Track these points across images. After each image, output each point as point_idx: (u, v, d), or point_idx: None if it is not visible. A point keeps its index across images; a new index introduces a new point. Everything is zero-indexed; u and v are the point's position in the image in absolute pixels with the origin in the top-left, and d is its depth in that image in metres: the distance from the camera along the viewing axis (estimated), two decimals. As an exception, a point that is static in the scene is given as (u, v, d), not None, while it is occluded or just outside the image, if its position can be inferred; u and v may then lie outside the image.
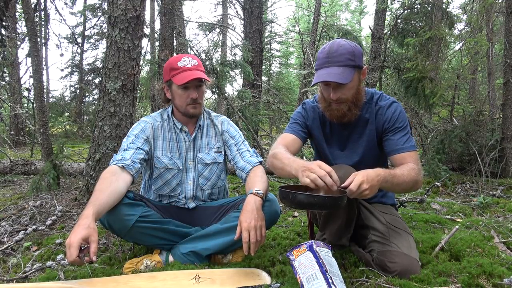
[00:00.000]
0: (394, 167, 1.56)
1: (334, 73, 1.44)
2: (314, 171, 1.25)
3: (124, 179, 1.57)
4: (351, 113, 1.57)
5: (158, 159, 1.79)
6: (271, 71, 15.73)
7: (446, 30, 4.22)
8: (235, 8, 12.11)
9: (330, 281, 1.20)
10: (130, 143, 1.72)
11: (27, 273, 1.62)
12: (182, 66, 1.72)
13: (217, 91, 4.69)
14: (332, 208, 1.29)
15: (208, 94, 1.95)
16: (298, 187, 1.43)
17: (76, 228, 1.28)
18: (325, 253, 1.33)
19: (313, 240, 1.37)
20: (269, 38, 14.78)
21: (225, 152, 1.93)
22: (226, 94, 5.13)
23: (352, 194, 1.28)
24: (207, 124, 1.92)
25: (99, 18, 11.88)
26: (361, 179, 1.27)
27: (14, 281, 1.57)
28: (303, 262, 1.29)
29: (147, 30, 9.95)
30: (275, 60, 16.24)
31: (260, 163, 1.83)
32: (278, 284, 1.44)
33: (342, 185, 1.30)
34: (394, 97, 1.68)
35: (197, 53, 5.91)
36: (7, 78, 8.54)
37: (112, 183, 1.51)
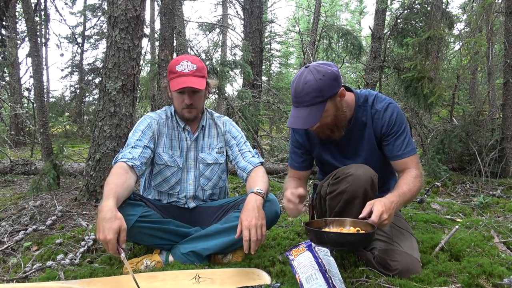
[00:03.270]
0: (397, 173, 1.64)
1: (300, 116, 1.43)
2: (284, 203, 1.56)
3: (133, 178, 1.60)
4: (334, 134, 1.58)
5: (159, 155, 1.80)
6: (271, 71, 15.73)
7: (446, 30, 4.22)
8: (235, 8, 12.12)
9: (330, 281, 1.20)
10: (137, 139, 1.71)
11: (27, 273, 1.62)
12: (179, 70, 1.71)
13: (217, 91, 4.70)
14: (367, 243, 1.33)
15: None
16: (318, 222, 1.44)
17: (105, 223, 1.30)
18: (324, 252, 1.33)
19: None
20: (269, 38, 14.77)
21: (226, 153, 1.93)
22: (226, 94, 5.14)
23: (374, 225, 1.32)
24: (209, 124, 1.92)
25: (99, 18, 11.88)
26: (381, 210, 1.31)
27: (14, 281, 1.57)
28: (302, 262, 1.29)
29: (147, 30, 9.96)
30: (275, 60, 16.25)
31: (261, 163, 1.83)
32: (278, 284, 1.44)
33: (360, 216, 1.34)
34: (393, 97, 1.69)
35: (197, 53, 5.92)
36: (7, 78, 8.53)
37: (127, 180, 1.53)
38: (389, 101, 1.61)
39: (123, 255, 1.30)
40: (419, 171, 1.54)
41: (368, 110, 1.60)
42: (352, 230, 1.37)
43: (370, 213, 1.34)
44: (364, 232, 1.31)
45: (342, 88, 1.51)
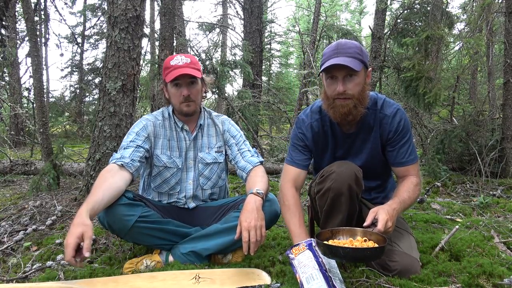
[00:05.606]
0: (397, 178, 1.66)
1: (344, 59, 1.44)
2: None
3: (122, 176, 1.58)
4: (356, 111, 1.51)
5: (157, 157, 1.80)
6: (271, 71, 15.72)
7: (446, 30, 4.22)
8: (235, 8, 12.12)
9: (330, 282, 1.20)
10: (130, 141, 1.71)
11: (27, 273, 1.62)
12: (174, 64, 1.73)
13: (217, 91, 4.69)
14: (381, 256, 1.33)
15: (208, 94, 1.96)
16: (325, 233, 1.42)
17: (71, 228, 1.29)
18: (324, 252, 1.33)
19: (312, 238, 1.36)
20: (269, 38, 14.77)
21: (225, 152, 1.93)
22: (226, 94, 5.13)
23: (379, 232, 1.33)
24: (207, 123, 1.92)
25: (99, 18, 11.87)
26: (386, 218, 1.32)
27: (14, 281, 1.57)
28: (303, 261, 1.29)
29: (147, 30, 9.95)
30: (275, 60, 16.24)
31: (261, 163, 1.83)
32: (278, 284, 1.44)
33: (364, 224, 1.35)
34: (393, 97, 1.70)
35: (197, 53, 5.91)
36: (7, 78, 8.53)
37: (107, 179, 1.52)
38: (397, 106, 1.61)
39: (82, 257, 1.25)
40: (419, 179, 1.58)
41: (377, 113, 1.60)
42: (359, 240, 1.35)
43: (373, 221, 1.35)
44: (378, 246, 1.29)
45: (370, 69, 1.55)
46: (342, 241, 1.37)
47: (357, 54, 1.46)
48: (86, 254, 1.26)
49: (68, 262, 1.25)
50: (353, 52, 1.45)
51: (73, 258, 1.24)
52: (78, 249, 1.26)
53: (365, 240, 1.34)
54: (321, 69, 1.49)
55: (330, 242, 1.33)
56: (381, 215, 1.33)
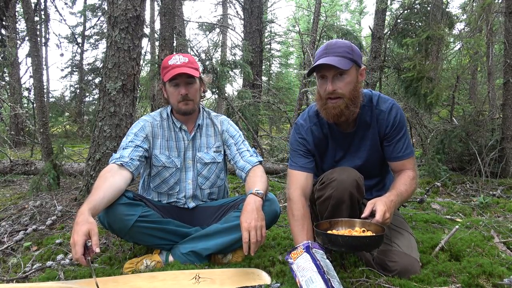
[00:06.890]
0: (393, 173, 1.67)
1: (332, 59, 1.44)
2: None
3: (121, 175, 1.59)
4: (348, 111, 1.50)
5: (156, 157, 1.80)
6: (271, 71, 15.72)
7: (446, 30, 4.22)
8: (235, 8, 12.11)
9: (329, 284, 1.20)
10: (129, 141, 1.72)
11: (27, 273, 1.62)
12: (172, 64, 1.74)
13: (217, 91, 4.69)
14: (380, 244, 1.33)
15: (208, 94, 1.98)
16: (323, 224, 1.43)
17: (75, 226, 1.29)
18: (321, 255, 1.33)
19: (309, 241, 1.37)
20: (269, 38, 14.77)
21: (224, 152, 1.93)
22: (226, 94, 5.13)
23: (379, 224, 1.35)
24: (206, 123, 1.92)
25: (99, 18, 11.88)
26: (384, 209, 1.33)
27: (14, 281, 1.57)
28: (301, 264, 1.29)
29: (147, 30, 9.95)
30: (275, 60, 16.23)
31: (260, 162, 1.83)
32: (278, 284, 1.44)
33: (362, 215, 1.36)
34: (393, 97, 1.69)
35: (197, 53, 5.91)
36: (7, 78, 8.53)
37: (107, 179, 1.52)
38: (392, 101, 1.62)
39: (92, 252, 1.25)
40: (415, 173, 1.59)
41: (373, 110, 1.61)
42: (358, 230, 1.38)
43: (371, 212, 1.35)
44: (377, 234, 1.30)
45: (364, 67, 1.55)
46: (341, 231, 1.38)
47: (346, 53, 1.46)
48: (97, 250, 1.26)
49: (77, 260, 1.24)
50: (342, 51, 1.46)
51: (83, 256, 1.24)
52: (85, 248, 1.26)
53: (363, 231, 1.36)
54: (309, 69, 1.50)
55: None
56: (379, 206, 1.34)
